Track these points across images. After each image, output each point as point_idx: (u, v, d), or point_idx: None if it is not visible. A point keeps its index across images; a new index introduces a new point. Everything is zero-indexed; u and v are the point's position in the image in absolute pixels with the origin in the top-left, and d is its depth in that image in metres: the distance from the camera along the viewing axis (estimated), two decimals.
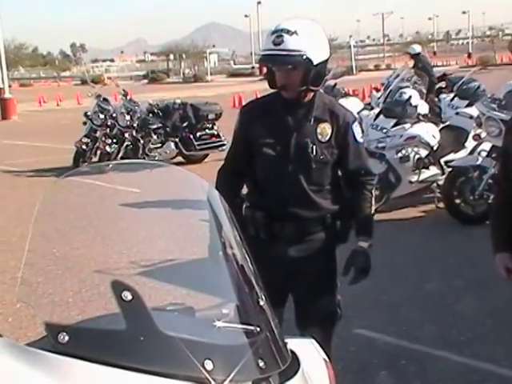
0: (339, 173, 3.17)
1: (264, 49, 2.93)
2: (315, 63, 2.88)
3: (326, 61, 2.98)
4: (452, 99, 9.97)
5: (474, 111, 8.13)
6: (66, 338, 1.49)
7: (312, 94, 3.00)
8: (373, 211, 3.24)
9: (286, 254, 3.06)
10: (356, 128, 3.11)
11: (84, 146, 12.37)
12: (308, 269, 3.10)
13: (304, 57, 2.85)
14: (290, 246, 3.07)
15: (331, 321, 3.32)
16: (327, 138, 3.00)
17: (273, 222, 3.02)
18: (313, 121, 2.99)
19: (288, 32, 2.83)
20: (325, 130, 3.00)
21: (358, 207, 3.17)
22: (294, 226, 3.05)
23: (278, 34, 2.84)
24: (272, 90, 3.08)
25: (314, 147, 2.97)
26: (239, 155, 3.12)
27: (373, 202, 3.21)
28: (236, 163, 3.14)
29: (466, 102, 9.37)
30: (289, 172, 2.98)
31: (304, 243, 3.09)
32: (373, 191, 3.23)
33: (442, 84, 13.07)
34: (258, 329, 1.72)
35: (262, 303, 1.76)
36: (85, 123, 12.95)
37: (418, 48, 14.90)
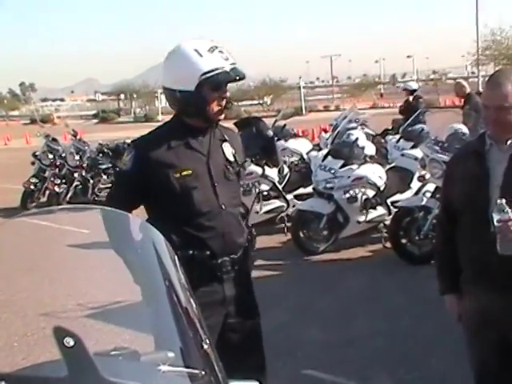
0: None
1: (218, 67, 2.72)
2: None
3: None
4: (398, 141, 10.20)
5: (418, 153, 8.35)
6: None
7: None
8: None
9: (224, 295, 2.88)
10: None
11: (32, 186, 12.21)
12: (240, 308, 2.95)
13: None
14: (226, 284, 2.89)
15: (263, 367, 3.04)
16: (232, 157, 2.95)
17: (212, 261, 2.83)
18: (218, 142, 2.92)
19: (221, 47, 2.78)
20: (229, 149, 2.95)
21: None
22: (230, 261, 2.88)
23: (220, 50, 2.76)
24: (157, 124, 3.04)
25: (230, 168, 2.91)
26: (127, 198, 2.79)
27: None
28: (116, 205, 2.29)
29: (411, 143, 9.62)
30: (217, 200, 2.84)
31: (236, 279, 2.92)
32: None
33: (389, 126, 13.39)
34: (203, 372, 1.72)
35: (205, 347, 1.77)
36: (33, 163, 12.80)
37: (414, 85, 15.08)
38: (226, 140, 2.95)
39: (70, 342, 1.51)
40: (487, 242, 2.62)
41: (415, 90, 14.10)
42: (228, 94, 2.83)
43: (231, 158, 2.93)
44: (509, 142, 2.72)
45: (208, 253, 2.79)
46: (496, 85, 2.69)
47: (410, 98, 13.67)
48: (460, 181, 2.85)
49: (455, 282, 3.01)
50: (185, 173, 2.76)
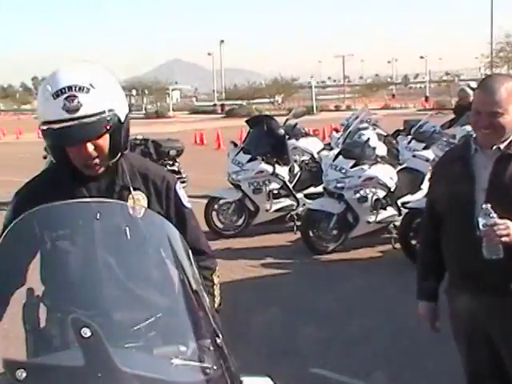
0: None
1: (52, 120, 2.09)
2: (122, 120, 2.22)
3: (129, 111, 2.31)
4: (409, 142, 10.18)
5: (430, 154, 8.34)
6: (24, 374, 1.51)
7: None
8: (216, 304, 2.36)
9: None
10: (180, 191, 2.41)
11: None
12: None
13: (111, 116, 2.16)
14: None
15: None
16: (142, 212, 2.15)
17: None
18: (120, 192, 2.27)
19: (81, 89, 2.10)
20: (138, 201, 2.27)
21: None
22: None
23: (69, 95, 2.08)
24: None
25: (128, 229, 2.03)
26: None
27: (215, 293, 2.41)
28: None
29: (423, 144, 9.60)
30: (100, 270, 2.01)
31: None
32: (215, 277, 2.43)
33: (400, 127, 13.36)
34: (215, 367, 1.75)
35: (218, 341, 1.79)
36: (45, 157, 12.84)
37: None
38: (138, 188, 2.30)
39: (86, 332, 1.54)
40: (473, 245, 2.66)
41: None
42: (90, 149, 2.17)
43: (137, 214, 2.11)
44: (494, 147, 2.74)
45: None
46: (489, 90, 2.68)
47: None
48: (445, 185, 2.88)
49: (432, 290, 3.05)
50: (56, 233, 2.03)
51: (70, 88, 2.08)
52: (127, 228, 2.02)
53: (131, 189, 2.28)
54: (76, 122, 2.08)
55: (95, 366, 1.53)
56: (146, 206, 2.27)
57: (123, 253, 2.10)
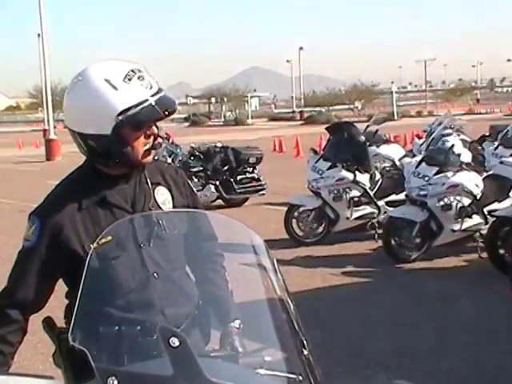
0: None
1: (139, 101, 2.02)
2: None
3: None
4: (496, 148, 9.90)
5: None
6: (116, 382, 1.53)
7: None
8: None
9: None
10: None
11: None
12: None
13: None
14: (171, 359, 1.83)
15: None
16: (170, 205, 2.23)
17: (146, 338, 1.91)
18: (148, 188, 2.20)
19: (140, 70, 2.07)
20: (163, 196, 2.23)
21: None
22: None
23: (139, 75, 2.05)
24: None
25: (163, 222, 2.06)
26: (36, 283, 2.12)
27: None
28: (25, 292, 2.11)
29: (511, 150, 9.29)
30: (145, 267, 2.05)
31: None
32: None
33: (486, 132, 13.00)
34: (301, 377, 1.72)
35: (305, 352, 1.76)
36: None
37: None
38: (159, 183, 2.25)
39: (175, 342, 1.55)
40: None
41: None
42: (156, 130, 2.14)
43: (166, 208, 2.21)
44: None
45: (139, 328, 1.93)
46: None
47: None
48: None
49: None
50: (103, 240, 1.94)
51: (133, 71, 2.05)
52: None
53: (159, 184, 2.24)
54: (162, 93, 2.07)
55: (184, 376, 1.54)
56: (171, 199, 2.23)
57: (166, 248, 2.09)
